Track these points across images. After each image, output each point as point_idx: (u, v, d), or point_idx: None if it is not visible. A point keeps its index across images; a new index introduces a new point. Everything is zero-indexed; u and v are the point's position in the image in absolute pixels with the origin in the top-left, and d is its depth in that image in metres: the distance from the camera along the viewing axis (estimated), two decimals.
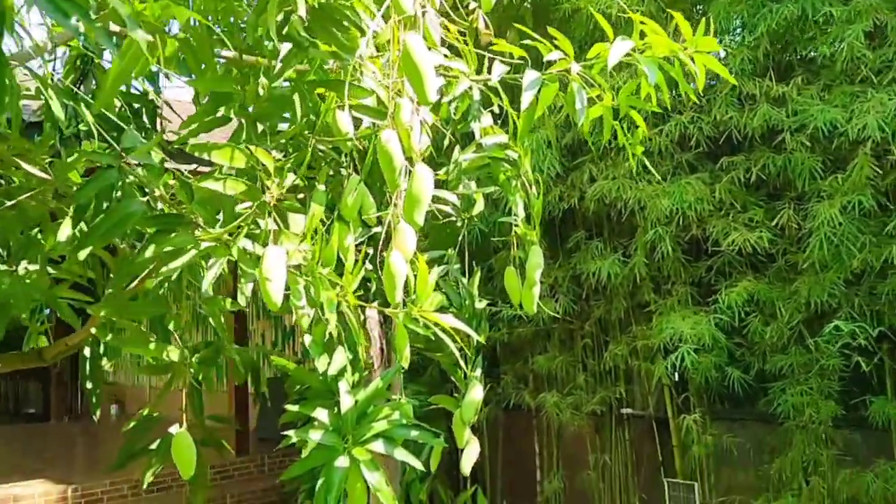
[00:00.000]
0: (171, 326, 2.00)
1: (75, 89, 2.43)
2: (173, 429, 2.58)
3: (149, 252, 1.74)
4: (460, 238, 2.99)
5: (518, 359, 5.82)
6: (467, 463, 2.73)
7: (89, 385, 2.11)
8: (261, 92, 1.81)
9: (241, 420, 7.62)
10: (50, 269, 2.22)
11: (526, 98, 2.27)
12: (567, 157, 5.04)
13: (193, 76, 1.98)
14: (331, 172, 2.71)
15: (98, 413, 2.15)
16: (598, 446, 5.41)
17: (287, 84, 2.03)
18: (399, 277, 1.93)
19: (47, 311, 2.71)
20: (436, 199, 2.95)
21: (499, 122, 2.80)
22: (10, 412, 12.27)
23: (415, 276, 2.13)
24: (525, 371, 5.76)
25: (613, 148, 4.78)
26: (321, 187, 1.94)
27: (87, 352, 2.14)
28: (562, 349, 5.47)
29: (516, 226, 2.68)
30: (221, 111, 1.79)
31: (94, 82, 2.46)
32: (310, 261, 1.82)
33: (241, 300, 1.87)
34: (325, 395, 2.46)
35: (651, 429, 5.12)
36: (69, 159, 2.08)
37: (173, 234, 1.78)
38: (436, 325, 2.18)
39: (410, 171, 1.79)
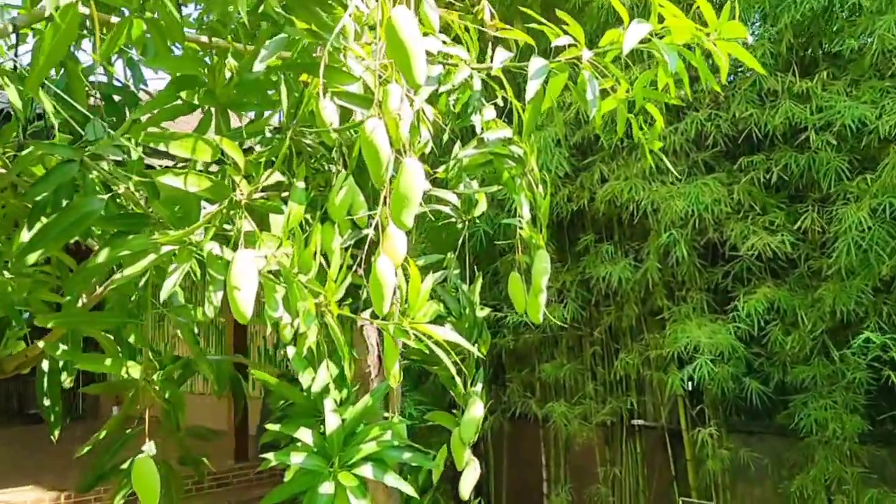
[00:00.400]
0: (131, 339, 1.79)
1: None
2: (147, 447, 2.38)
3: (101, 257, 1.54)
4: (460, 241, 2.77)
5: (524, 366, 5.59)
6: (466, 486, 2.52)
7: (47, 402, 1.90)
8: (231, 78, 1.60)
9: (240, 426, 7.43)
10: (7, 273, 2.02)
11: (531, 87, 2.05)
12: (576, 157, 4.82)
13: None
14: (318, 168, 2.51)
15: (56, 433, 1.95)
16: (608, 459, 5.18)
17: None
18: (387, 286, 1.72)
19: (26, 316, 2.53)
20: (435, 200, 2.75)
21: (503, 116, 2.59)
22: (12, 412, 12.12)
23: (407, 283, 1.92)
24: (532, 379, 5.53)
25: (626, 147, 4.56)
26: (300, 184, 1.73)
27: (45, 365, 1.93)
28: (570, 357, 5.24)
29: (521, 228, 2.46)
30: (184, 97, 1.57)
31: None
32: (285, 266, 1.61)
33: (210, 310, 1.66)
34: (310, 412, 2.25)
35: (664, 441, 4.89)
36: (23, 153, 1.89)
37: (130, 237, 1.57)
38: (430, 337, 1.97)
39: (399, 166, 1.57)
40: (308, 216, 2.36)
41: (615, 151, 4.61)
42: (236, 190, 1.60)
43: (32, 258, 1.67)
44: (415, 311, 1.93)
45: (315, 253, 1.74)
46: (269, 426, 2.14)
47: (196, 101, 1.55)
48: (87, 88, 2.47)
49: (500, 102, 2.54)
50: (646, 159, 4.34)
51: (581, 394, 5.16)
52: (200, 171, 1.55)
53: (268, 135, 2.46)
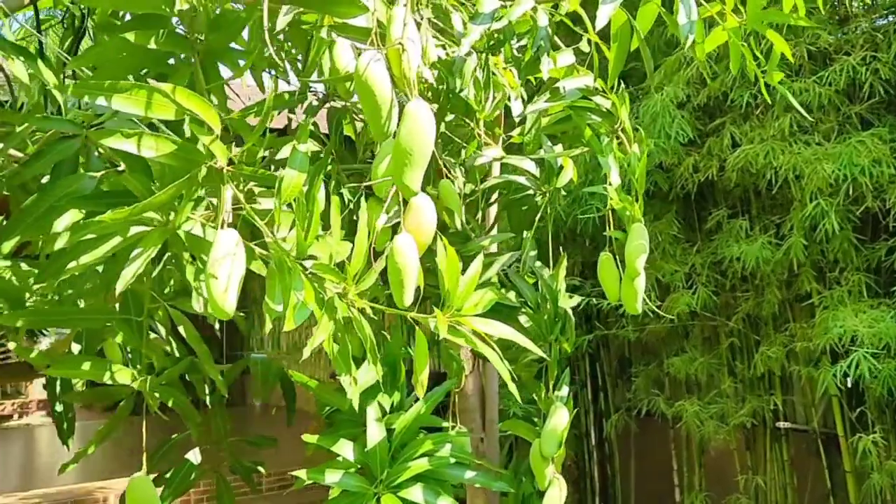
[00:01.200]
0: (118, 339, 1.55)
1: (63, 54, 2.05)
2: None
3: (61, 242, 1.28)
4: (546, 217, 2.34)
5: (651, 360, 5.03)
6: None
7: (59, 408, 1.70)
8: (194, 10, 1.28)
9: None
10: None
11: (603, 14, 1.61)
12: (702, 120, 4.21)
13: None
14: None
15: (71, 443, 1.75)
16: (750, 465, 4.53)
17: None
18: (407, 270, 1.36)
19: None
20: (511, 169, 2.34)
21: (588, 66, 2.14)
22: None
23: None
24: (659, 374, 4.96)
25: (760, 104, 3.90)
26: (302, 147, 1.40)
27: None
28: (703, 350, 4.62)
29: (611, 198, 2.00)
30: (135, 40, 1.27)
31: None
32: (278, 248, 1.29)
33: (197, 304, 1.37)
34: (357, 422, 1.93)
35: (816, 448, 4.19)
36: (18, 129, 1.69)
37: (96, 217, 1.31)
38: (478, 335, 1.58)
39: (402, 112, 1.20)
40: (347, 192, 2.04)
41: (748, 110, 3.96)
42: (214, 157, 1.29)
43: (7, 247, 1.45)
44: (457, 301, 1.54)
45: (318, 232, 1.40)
46: (307, 437, 1.84)
47: (154, 45, 1.25)
48: None
49: (585, 48, 2.09)
50: (784, 117, 3.70)
51: (716, 391, 4.54)
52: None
53: (314, 103, 2.17)
